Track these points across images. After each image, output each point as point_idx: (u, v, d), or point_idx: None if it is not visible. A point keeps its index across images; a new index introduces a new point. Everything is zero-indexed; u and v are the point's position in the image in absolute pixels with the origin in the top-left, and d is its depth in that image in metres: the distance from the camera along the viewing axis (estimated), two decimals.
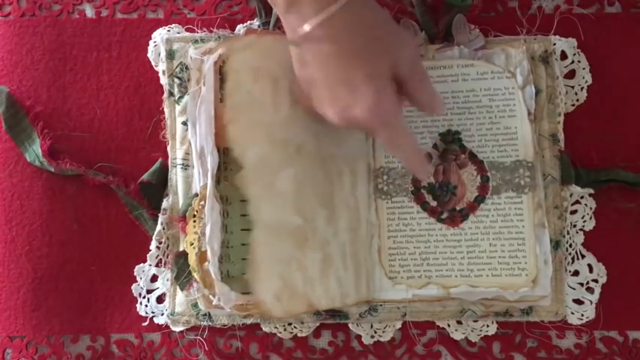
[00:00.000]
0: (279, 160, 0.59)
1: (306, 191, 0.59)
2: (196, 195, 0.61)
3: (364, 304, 0.62)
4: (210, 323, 0.62)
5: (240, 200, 0.59)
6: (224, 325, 0.62)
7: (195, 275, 0.59)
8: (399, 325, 0.62)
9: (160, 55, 0.65)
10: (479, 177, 0.62)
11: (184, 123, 0.63)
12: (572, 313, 0.62)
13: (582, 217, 0.63)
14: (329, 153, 0.60)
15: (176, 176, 0.63)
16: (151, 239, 0.63)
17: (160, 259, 0.63)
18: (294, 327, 0.63)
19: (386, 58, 0.51)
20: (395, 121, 0.53)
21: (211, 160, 0.59)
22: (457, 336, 0.62)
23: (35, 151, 0.64)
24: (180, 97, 0.63)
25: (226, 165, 0.59)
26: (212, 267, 0.58)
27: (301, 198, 0.59)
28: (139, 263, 0.63)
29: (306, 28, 0.50)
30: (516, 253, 0.61)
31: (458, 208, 0.62)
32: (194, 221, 0.60)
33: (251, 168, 0.59)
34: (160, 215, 0.63)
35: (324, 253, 0.59)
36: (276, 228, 0.59)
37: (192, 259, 0.60)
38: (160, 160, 0.64)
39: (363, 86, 0.51)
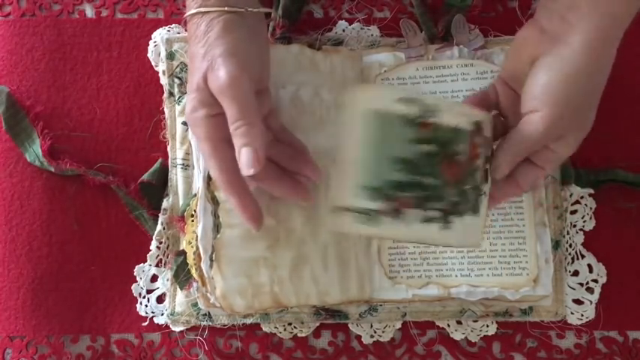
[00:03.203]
0: None
1: None
2: (195, 195, 0.61)
3: (364, 304, 0.62)
4: (210, 323, 0.62)
5: (217, 203, 0.60)
6: (224, 325, 0.62)
7: (194, 274, 0.60)
8: (399, 325, 0.63)
9: (159, 55, 0.65)
10: None
11: (184, 123, 0.63)
12: (572, 313, 0.62)
13: (582, 217, 0.63)
14: (316, 156, 0.60)
15: (176, 176, 0.63)
16: (151, 239, 0.63)
17: (160, 259, 0.63)
18: (294, 327, 0.63)
19: (199, 74, 0.53)
20: (200, 136, 0.54)
21: (203, 162, 0.59)
22: (457, 336, 0.62)
23: (35, 151, 0.64)
24: (180, 97, 0.63)
25: None
26: (204, 265, 0.58)
27: (276, 200, 0.59)
28: (139, 263, 0.63)
29: (186, 14, 0.55)
30: (517, 252, 0.61)
31: None
32: (192, 221, 0.60)
33: None
34: (160, 215, 0.63)
35: (298, 252, 0.59)
36: (245, 229, 0.59)
37: (190, 258, 0.60)
38: (159, 160, 0.64)
39: (190, 95, 0.54)
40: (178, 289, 0.62)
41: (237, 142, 0.51)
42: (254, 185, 0.57)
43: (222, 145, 0.53)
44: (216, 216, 0.59)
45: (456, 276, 0.61)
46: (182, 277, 0.62)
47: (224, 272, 0.59)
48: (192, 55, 0.54)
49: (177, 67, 0.64)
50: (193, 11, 0.54)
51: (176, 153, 0.63)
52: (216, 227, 0.59)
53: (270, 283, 0.59)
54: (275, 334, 0.63)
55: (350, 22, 0.66)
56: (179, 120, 0.63)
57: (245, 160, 0.50)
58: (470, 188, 0.52)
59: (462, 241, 0.53)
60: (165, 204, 0.63)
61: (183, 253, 0.61)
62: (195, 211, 0.60)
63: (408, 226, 0.51)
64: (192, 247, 0.60)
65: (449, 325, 0.62)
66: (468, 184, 0.52)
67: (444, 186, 0.51)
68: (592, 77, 0.50)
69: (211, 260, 0.59)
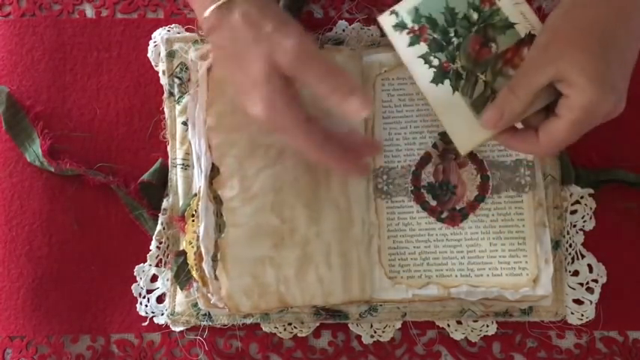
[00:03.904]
0: (259, 164, 0.60)
1: (286, 193, 0.59)
2: (195, 195, 0.61)
3: (364, 304, 0.62)
4: (210, 323, 0.62)
5: (219, 202, 0.59)
6: (224, 325, 0.62)
7: (194, 274, 0.60)
8: (399, 325, 0.62)
9: (160, 55, 0.65)
10: (479, 176, 0.62)
11: (184, 123, 0.63)
12: (572, 313, 0.62)
13: (582, 217, 0.63)
14: None
15: (176, 176, 0.63)
16: (151, 239, 0.63)
17: (160, 259, 0.63)
18: (294, 327, 0.63)
19: (261, 61, 0.50)
20: (290, 123, 0.51)
21: (204, 161, 0.59)
22: (457, 336, 0.62)
23: (35, 151, 0.64)
24: (180, 97, 0.63)
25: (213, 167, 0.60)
26: (206, 265, 0.58)
27: (280, 199, 0.59)
28: (139, 263, 0.63)
29: (204, 16, 0.51)
30: (517, 253, 0.61)
31: (458, 208, 0.62)
32: (192, 221, 0.60)
33: (228, 172, 0.59)
34: (160, 215, 0.63)
35: (303, 252, 0.60)
36: (250, 228, 0.59)
37: (190, 258, 0.60)
38: (159, 160, 0.64)
39: (253, 91, 0.50)
40: (178, 289, 0.62)
41: (336, 97, 0.49)
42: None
43: (306, 125, 0.51)
44: (218, 215, 0.59)
45: (456, 276, 0.61)
46: (182, 277, 0.62)
47: (230, 272, 0.59)
48: (232, 48, 0.51)
49: (177, 67, 0.64)
50: (219, 3, 0.50)
51: (176, 153, 0.63)
52: (218, 227, 0.59)
53: (276, 283, 0.59)
54: (275, 334, 0.63)
55: (350, 22, 0.66)
56: (179, 120, 0.63)
57: (355, 105, 0.49)
58: (482, 78, 0.56)
59: (451, 121, 0.57)
60: (165, 204, 0.63)
61: (184, 253, 0.61)
62: (195, 210, 0.60)
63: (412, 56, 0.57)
64: (192, 247, 0.60)
65: (449, 325, 0.62)
66: (482, 71, 0.56)
67: (462, 52, 0.57)
68: (606, 22, 0.50)
69: (213, 260, 0.59)
